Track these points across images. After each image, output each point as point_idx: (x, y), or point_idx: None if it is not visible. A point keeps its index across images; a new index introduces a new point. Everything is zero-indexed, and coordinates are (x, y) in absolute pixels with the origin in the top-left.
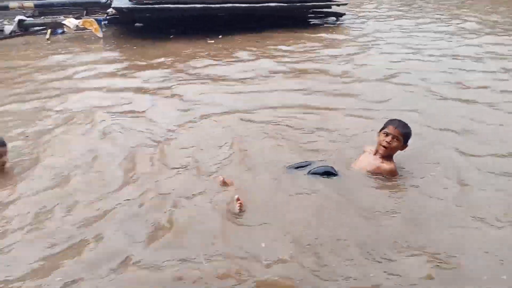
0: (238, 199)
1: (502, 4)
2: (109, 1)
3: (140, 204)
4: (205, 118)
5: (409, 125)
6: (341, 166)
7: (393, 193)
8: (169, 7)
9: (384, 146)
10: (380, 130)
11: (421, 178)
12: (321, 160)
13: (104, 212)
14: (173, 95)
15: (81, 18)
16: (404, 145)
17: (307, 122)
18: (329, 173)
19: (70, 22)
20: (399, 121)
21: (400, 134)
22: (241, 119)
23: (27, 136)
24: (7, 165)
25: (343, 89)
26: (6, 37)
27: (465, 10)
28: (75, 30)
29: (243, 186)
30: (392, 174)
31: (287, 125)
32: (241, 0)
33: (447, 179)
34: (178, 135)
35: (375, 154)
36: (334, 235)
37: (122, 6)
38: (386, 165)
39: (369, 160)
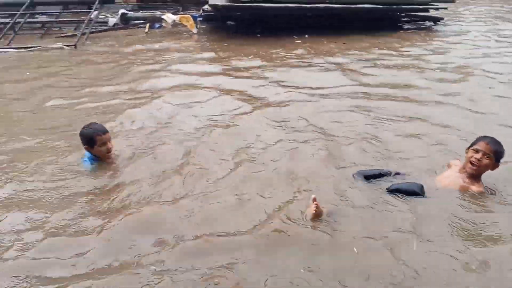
0: (314, 200)
1: None
2: None
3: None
4: (286, 106)
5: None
6: (421, 180)
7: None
8: (263, 6)
9: (473, 163)
10: (470, 147)
11: None
12: (398, 174)
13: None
14: (263, 84)
15: (178, 14)
16: (495, 164)
17: (391, 126)
18: (414, 193)
19: (169, 17)
20: (491, 137)
21: (491, 152)
22: (320, 112)
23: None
24: (114, 150)
25: (434, 96)
26: (109, 29)
27: None
28: (171, 25)
29: (321, 192)
30: None
31: (370, 125)
32: (335, 0)
33: None
34: (255, 118)
35: (462, 172)
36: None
37: (218, 3)
38: (475, 187)
39: (455, 178)
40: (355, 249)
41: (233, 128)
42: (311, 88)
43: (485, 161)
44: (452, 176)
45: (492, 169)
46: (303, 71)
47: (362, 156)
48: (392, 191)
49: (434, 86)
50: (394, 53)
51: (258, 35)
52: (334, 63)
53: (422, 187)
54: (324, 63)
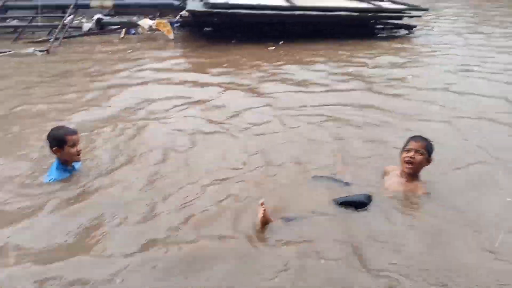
0: (262, 204)
1: None
2: (182, 4)
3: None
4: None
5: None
6: (370, 188)
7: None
8: (241, 12)
9: (408, 163)
10: (402, 149)
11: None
12: (346, 183)
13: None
14: (232, 88)
15: (155, 20)
16: (428, 159)
17: (358, 131)
18: (362, 204)
19: (145, 22)
20: (419, 135)
21: (422, 147)
22: (291, 116)
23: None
24: (82, 154)
25: (392, 102)
26: (84, 34)
27: None
28: (148, 31)
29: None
30: None
31: (338, 128)
32: (311, 7)
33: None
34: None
35: (401, 175)
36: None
37: (196, 9)
38: (417, 188)
39: (397, 182)
40: (322, 261)
41: (200, 136)
42: (283, 91)
43: (418, 157)
44: (394, 182)
45: (427, 164)
46: (274, 76)
47: (326, 160)
48: (341, 203)
49: (404, 91)
50: (366, 58)
51: (233, 41)
52: (306, 69)
53: (369, 196)
54: (296, 69)
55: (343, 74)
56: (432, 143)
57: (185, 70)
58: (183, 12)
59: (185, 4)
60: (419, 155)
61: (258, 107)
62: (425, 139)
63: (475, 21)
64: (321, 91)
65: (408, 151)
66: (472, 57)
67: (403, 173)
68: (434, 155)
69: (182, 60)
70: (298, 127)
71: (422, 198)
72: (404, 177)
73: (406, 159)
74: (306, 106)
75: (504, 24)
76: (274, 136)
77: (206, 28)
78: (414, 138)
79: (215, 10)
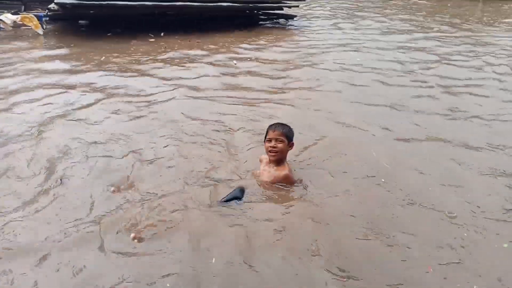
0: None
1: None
2: None
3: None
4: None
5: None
6: (247, 179)
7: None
8: (116, 4)
9: (271, 152)
10: (264, 140)
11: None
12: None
13: None
14: (106, 94)
15: (19, 14)
16: (290, 143)
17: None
18: (237, 198)
19: (7, 17)
20: (277, 123)
21: (281, 135)
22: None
23: None
24: None
25: (276, 83)
26: None
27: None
28: (12, 27)
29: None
30: (288, 181)
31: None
32: None
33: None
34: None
35: (270, 163)
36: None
37: (66, 1)
38: (280, 172)
39: (264, 170)
40: (213, 260)
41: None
42: (166, 79)
43: (280, 145)
44: (262, 170)
45: (290, 148)
46: (157, 67)
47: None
48: (224, 201)
49: (291, 73)
50: (247, 44)
51: (109, 34)
52: (187, 56)
53: (242, 190)
54: (176, 57)
55: (226, 59)
56: (290, 128)
57: (55, 62)
58: (52, 5)
59: None
60: (280, 143)
61: (136, 97)
62: (282, 126)
63: (349, 8)
64: (203, 77)
65: (269, 140)
66: (345, 38)
67: (271, 162)
68: (307, 132)
69: (51, 53)
70: (181, 112)
71: (281, 182)
72: (272, 163)
73: (269, 149)
74: (190, 95)
75: (375, 11)
76: (152, 125)
77: (81, 21)
78: (272, 127)
79: (88, 3)
